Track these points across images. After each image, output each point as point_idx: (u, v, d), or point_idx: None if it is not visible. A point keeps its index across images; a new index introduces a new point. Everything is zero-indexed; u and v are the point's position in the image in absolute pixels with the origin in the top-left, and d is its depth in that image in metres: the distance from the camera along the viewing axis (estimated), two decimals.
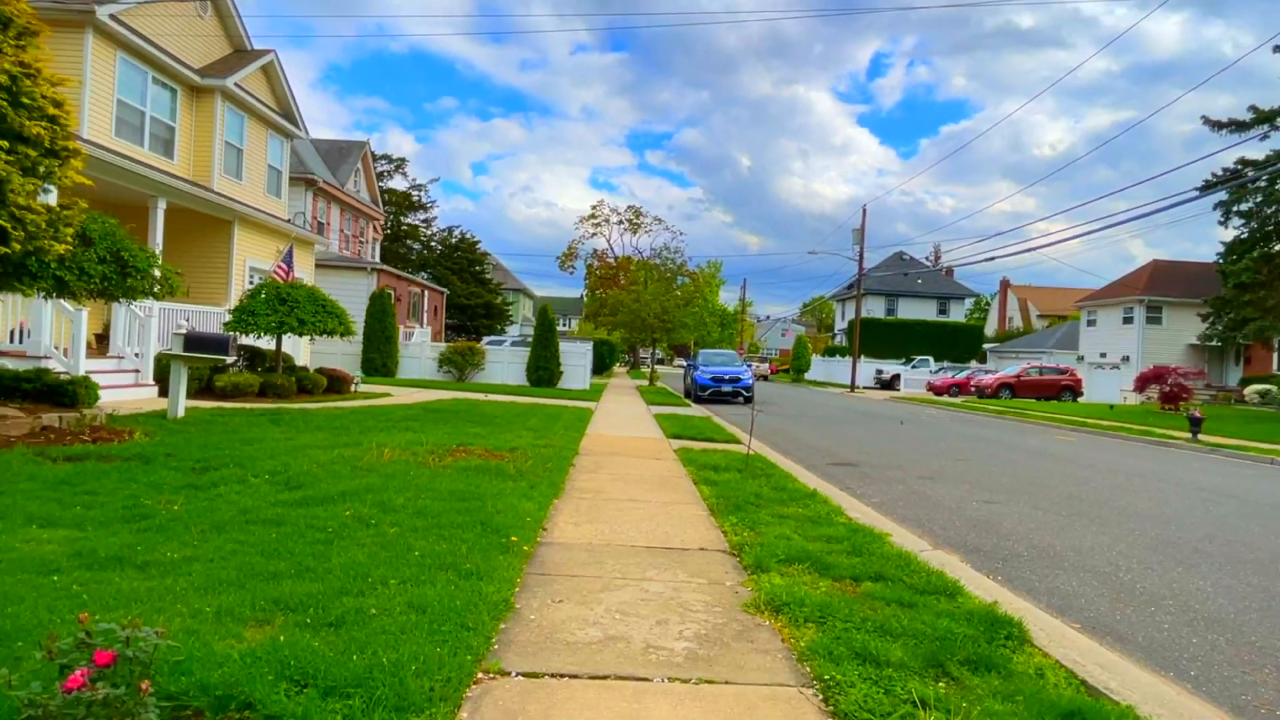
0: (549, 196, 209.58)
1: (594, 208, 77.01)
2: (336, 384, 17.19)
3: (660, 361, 62.05)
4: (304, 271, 21.14)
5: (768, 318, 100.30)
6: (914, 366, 47.62)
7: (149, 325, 13.84)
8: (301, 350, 20.37)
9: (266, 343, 16.78)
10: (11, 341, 11.82)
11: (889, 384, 44.07)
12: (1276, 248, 27.47)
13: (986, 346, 60.69)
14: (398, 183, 53.48)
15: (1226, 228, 29.09)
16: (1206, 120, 28.17)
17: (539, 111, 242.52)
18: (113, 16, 14.61)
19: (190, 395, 12.15)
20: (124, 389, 12.90)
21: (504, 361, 27.85)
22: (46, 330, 11.72)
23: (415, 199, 54.21)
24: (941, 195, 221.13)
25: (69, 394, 10.00)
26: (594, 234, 59.03)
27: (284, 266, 17.41)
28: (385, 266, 33.90)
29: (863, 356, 46.09)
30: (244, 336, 15.89)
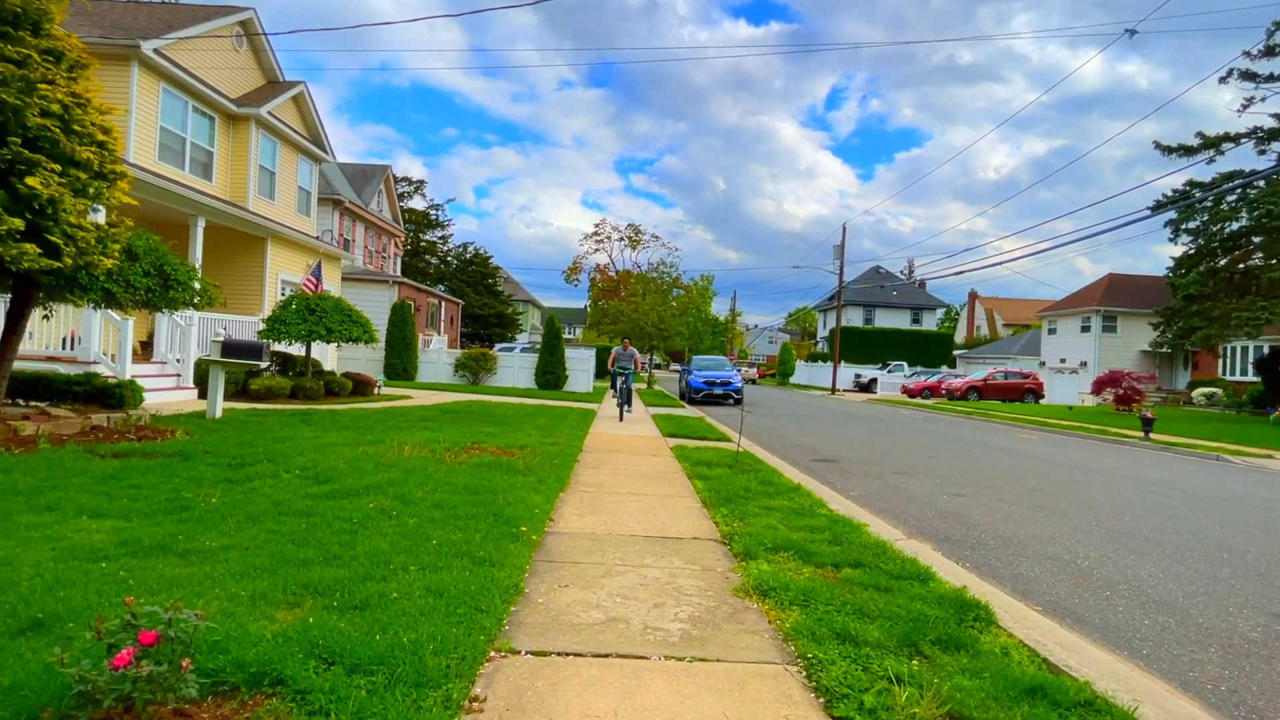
0: (545, 216, 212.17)
1: (597, 226, 76.86)
2: (361, 387, 17.17)
3: (658, 367, 61.99)
4: (331, 284, 21.15)
5: (755, 326, 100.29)
6: (890, 371, 47.59)
7: (189, 333, 13.83)
8: (329, 356, 20.36)
9: (297, 349, 16.77)
10: (64, 348, 11.82)
11: (867, 387, 44.03)
12: (1221, 262, 27.53)
13: (956, 353, 60.65)
14: (417, 203, 53.58)
15: (1176, 244, 29.14)
16: (1158, 145, 28.21)
17: (532, 140, 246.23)
18: (156, 50, 14.65)
19: (227, 397, 12.15)
20: (166, 391, 12.88)
21: (514, 366, 27.81)
22: (95, 338, 11.71)
23: (433, 218, 54.24)
24: (901, 216, 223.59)
25: (116, 396, 10.00)
26: (597, 249, 58.99)
27: (313, 280, 17.42)
28: (406, 280, 33.89)
29: (843, 362, 46.07)
30: (276, 343, 15.87)
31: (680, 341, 44.96)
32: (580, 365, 27.77)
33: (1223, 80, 27.86)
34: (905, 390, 39.24)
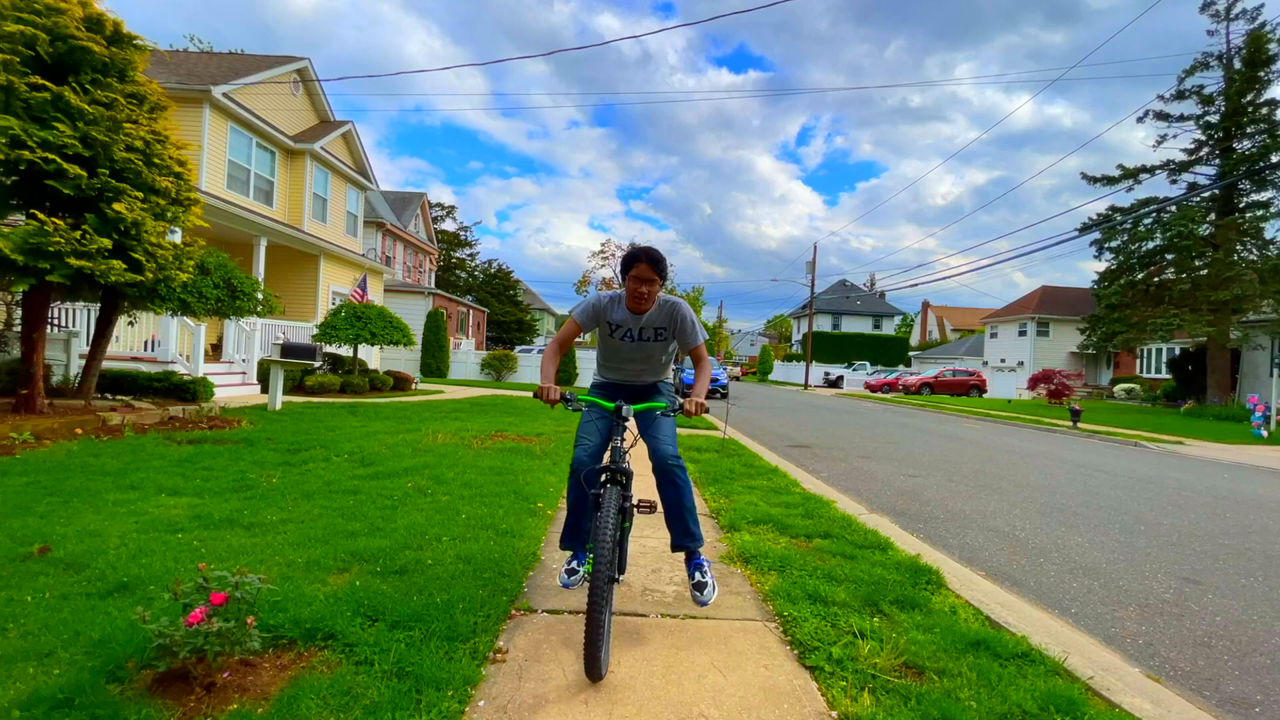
0: (557, 237, 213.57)
1: (602, 245, 77.07)
2: (401, 383, 17.15)
3: None
4: (375, 295, 21.13)
5: (739, 331, 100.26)
6: (855, 369, 47.51)
7: (253, 337, 13.82)
8: (373, 357, 20.34)
9: (346, 351, 16.78)
10: (145, 350, 11.82)
11: (835, 383, 43.90)
12: (1139, 276, 27.47)
13: (911, 354, 60.49)
14: (448, 225, 53.47)
15: (1100, 260, 29.02)
16: (1084, 175, 28.19)
17: (546, 171, 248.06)
18: (225, 95, 14.65)
19: (285, 392, 12.14)
20: (233, 387, 12.87)
21: (532, 365, 27.78)
22: (173, 341, 11.71)
23: (462, 238, 54.20)
24: (863, 236, 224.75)
25: (190, 391, 9.99)
26: (603, 265, 59.15)
27: (359, 291, 17.41)
28: (439, 291, 33.81)
29: (814, 361, 46.04)
30: (328, 346, 15.88)
31: None
32: (589, 365, 27.78)
33: (1139, 120, 27.87)
34: (868, 386, 39.14)
